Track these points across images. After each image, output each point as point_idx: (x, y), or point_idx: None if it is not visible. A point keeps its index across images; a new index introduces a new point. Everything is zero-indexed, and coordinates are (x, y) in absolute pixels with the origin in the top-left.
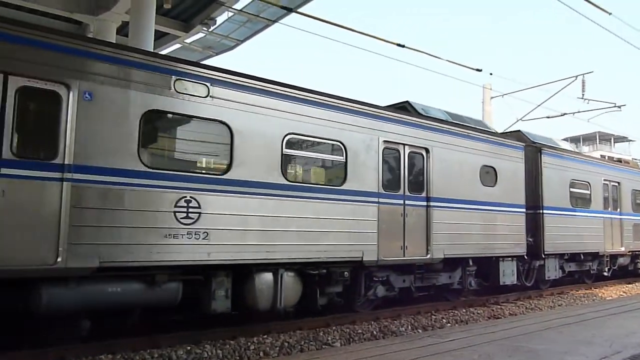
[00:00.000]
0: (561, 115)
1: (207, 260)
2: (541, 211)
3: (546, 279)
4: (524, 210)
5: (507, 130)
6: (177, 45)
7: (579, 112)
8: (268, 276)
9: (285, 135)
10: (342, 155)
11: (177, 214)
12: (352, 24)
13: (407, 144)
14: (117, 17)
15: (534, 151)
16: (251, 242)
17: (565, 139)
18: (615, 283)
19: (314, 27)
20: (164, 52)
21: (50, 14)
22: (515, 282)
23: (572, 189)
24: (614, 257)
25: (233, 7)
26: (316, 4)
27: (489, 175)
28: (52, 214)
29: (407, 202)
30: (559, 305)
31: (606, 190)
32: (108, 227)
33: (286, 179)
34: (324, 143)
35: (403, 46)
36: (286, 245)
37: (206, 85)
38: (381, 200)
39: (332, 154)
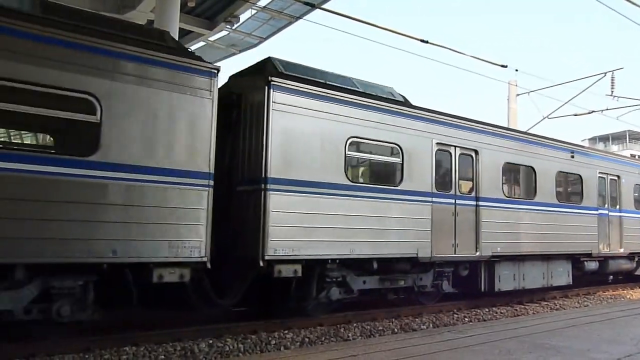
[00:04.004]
0: (589, 112)
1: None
2: None
3: None
4: None
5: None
6: (202, 43)
7: (607, 109)
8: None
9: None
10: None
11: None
12: (375, 20)
13: None
14: (142, 15)
15: None
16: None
17: (594, 138)
18: None
19: (337, 23)
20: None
21: None
22: None
23: None
24: None
25: (256, 4)
26: (339, 1)
27: None
28: None
29: None
30: (585, 306)
31: None
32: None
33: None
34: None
35: (427, 42)
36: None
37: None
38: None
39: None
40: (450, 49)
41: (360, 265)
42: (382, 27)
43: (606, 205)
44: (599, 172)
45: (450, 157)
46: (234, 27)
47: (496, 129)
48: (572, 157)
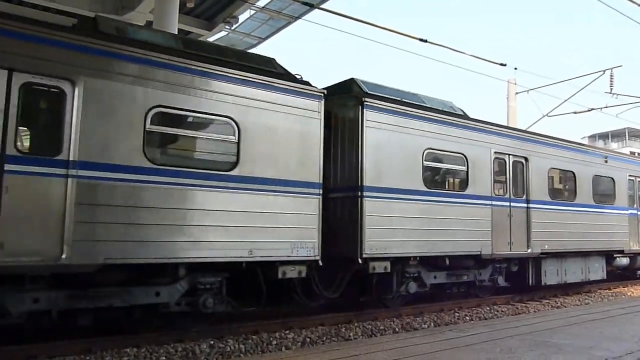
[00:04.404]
0: (588, 110)
1: None
2: None
3: None
4: None
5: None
6: None
7: (607, 107)
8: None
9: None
10: None
11: None
12: (375, 20)
13: None
14: (141, 17)
15: None
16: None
17: (593, 136)
18: None
19: (336, 22)
20: None
21: (73, 13)
22: None
23: None
24: None
25: (255, 4)
26: (338, 1)
27: None
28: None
29: None
30: (585, 304)
31: None
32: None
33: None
34: None
35: (426, 41)
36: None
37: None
38: None
39: None
40: (449, 48)
41: (433, 263)
42: (381, 27)
43: (635, 205)
44: (629, 175)
45: (505, 164)
46: (232, 28)
47: (542, 137)
48: (606, 161)
